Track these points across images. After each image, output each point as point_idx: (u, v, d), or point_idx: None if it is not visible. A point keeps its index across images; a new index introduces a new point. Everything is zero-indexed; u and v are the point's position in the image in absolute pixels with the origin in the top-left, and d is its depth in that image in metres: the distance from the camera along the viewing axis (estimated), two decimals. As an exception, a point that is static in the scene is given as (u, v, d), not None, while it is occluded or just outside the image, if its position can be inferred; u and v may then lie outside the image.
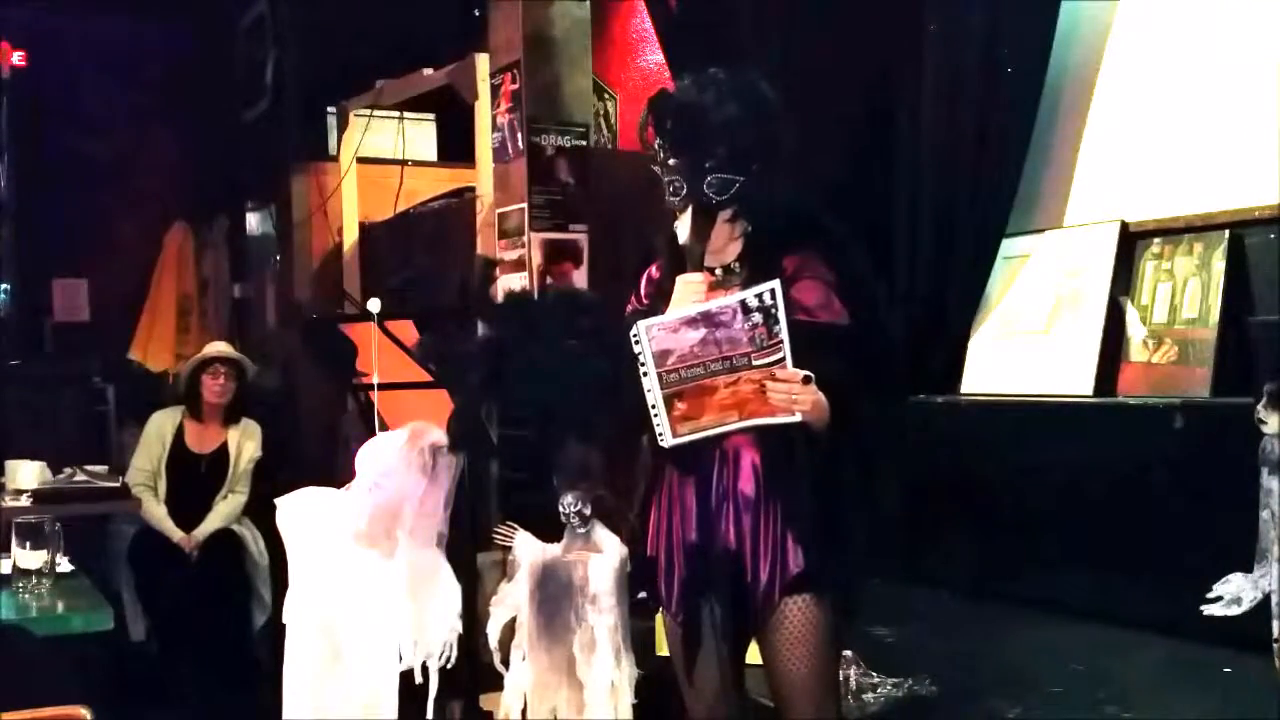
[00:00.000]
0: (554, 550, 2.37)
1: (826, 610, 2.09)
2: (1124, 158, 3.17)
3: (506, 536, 2.43)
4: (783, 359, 1.95)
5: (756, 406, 1.99)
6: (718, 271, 2.17)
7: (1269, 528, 1.89)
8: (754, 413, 2.00)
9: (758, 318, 1.94)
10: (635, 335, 1.99)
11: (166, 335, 6.69)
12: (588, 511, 2.31)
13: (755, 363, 1.96)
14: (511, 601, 2.40)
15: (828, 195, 3.43)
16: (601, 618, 2.26)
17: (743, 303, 1.94)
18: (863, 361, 2.06)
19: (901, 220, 3.47)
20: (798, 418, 1.98)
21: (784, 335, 1.93)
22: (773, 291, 1.92)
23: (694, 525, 2.14)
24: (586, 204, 4.30)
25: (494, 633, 2.42)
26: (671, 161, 2.09)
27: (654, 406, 2.02)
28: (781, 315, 1.93)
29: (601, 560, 2.29)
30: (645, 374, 2.00)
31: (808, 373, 1.95)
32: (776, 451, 2.09)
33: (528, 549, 2.39)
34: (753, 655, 2.20)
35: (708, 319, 1.96)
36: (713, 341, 1.97)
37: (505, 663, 2.40)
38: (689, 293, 2.09)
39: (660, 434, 2.05)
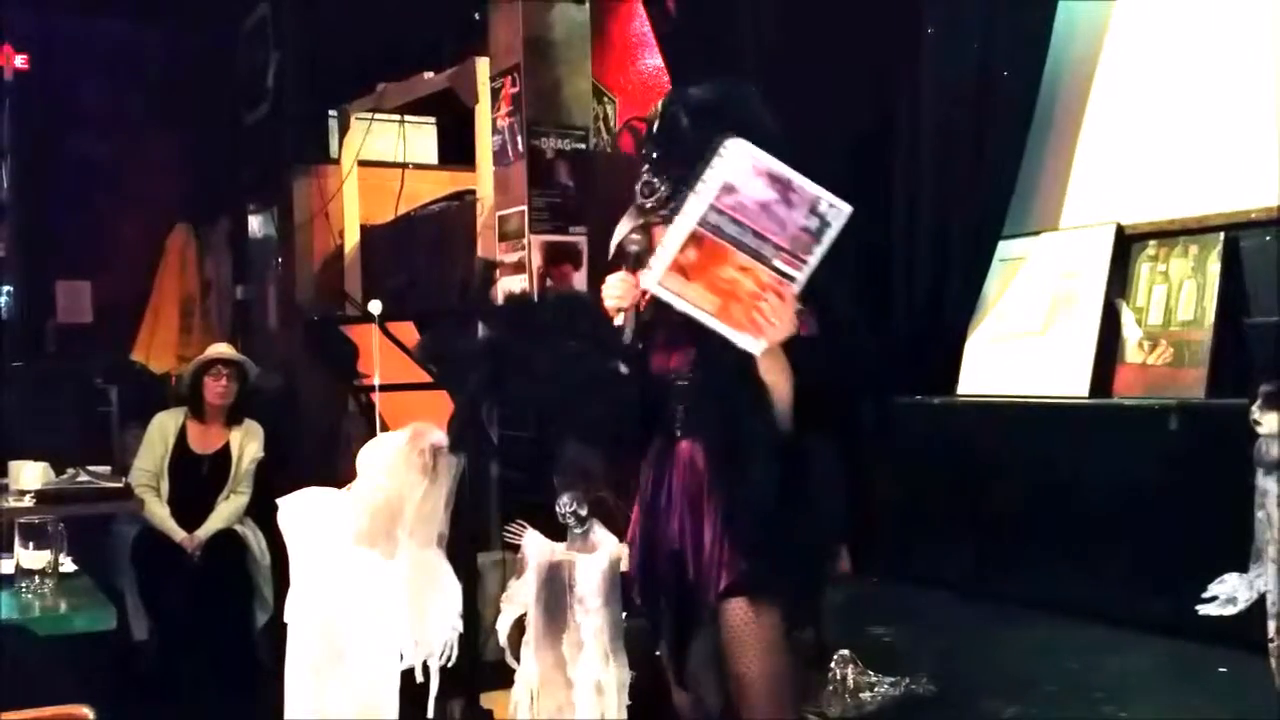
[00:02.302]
0: (561, 549, 2.38)
1: (773, 613, 2.09)
2: (1120, 160, 3.17)
3: (516, 534, 2.45)
4: (795, 279, 1.92)
5: (738, 313, 1.93)
6: None
7: (1264, 528, 1.90)
8: (730, 318, 1.94)
9: (814, 222, 1.90)
10: (723, 148, 1.88)
11: (169, 337, 6.72)
12: (583, 512, 2.31)
13: (775, 263, 1.92)
14: (520, 599, 2.41)
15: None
16: (588, 619, 2.26)
17: (818, 199, 1.89)
18: (829, 370, 2.06)
19: (898, 222, 3.47)
20: (758, 350, 1.95)
21: (814, 259, 1.90)
22: (839, 211, 1.89)
23: (653, 524, 2.21)
24: (586, 207, 4.32)
25: (503, 630, 2.43)
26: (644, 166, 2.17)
27: (668, 239, 1.94)
28: (827, 240, 1.90)
29: (589, 561, 2.29)
30: (696, 193, 1.90)
31: (802, 308, 1.95)
32: (721, 453, 2.10)
33: (535, 547, 2.40)
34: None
35: (785, 187, 1.89)
36: (770, 213, 1.90)
37: (517, 658, 2.42)
38: (610, 290, 2.17)
39: (650, 268, 1.98)
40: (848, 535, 2.23)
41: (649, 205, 2.15)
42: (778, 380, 2.02)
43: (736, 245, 1.92)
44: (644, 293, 2.27)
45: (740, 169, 1.90)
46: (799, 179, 1.91)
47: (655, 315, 2.19)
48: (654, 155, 2.14)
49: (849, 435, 2.14)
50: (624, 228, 2.21)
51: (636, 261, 2.18)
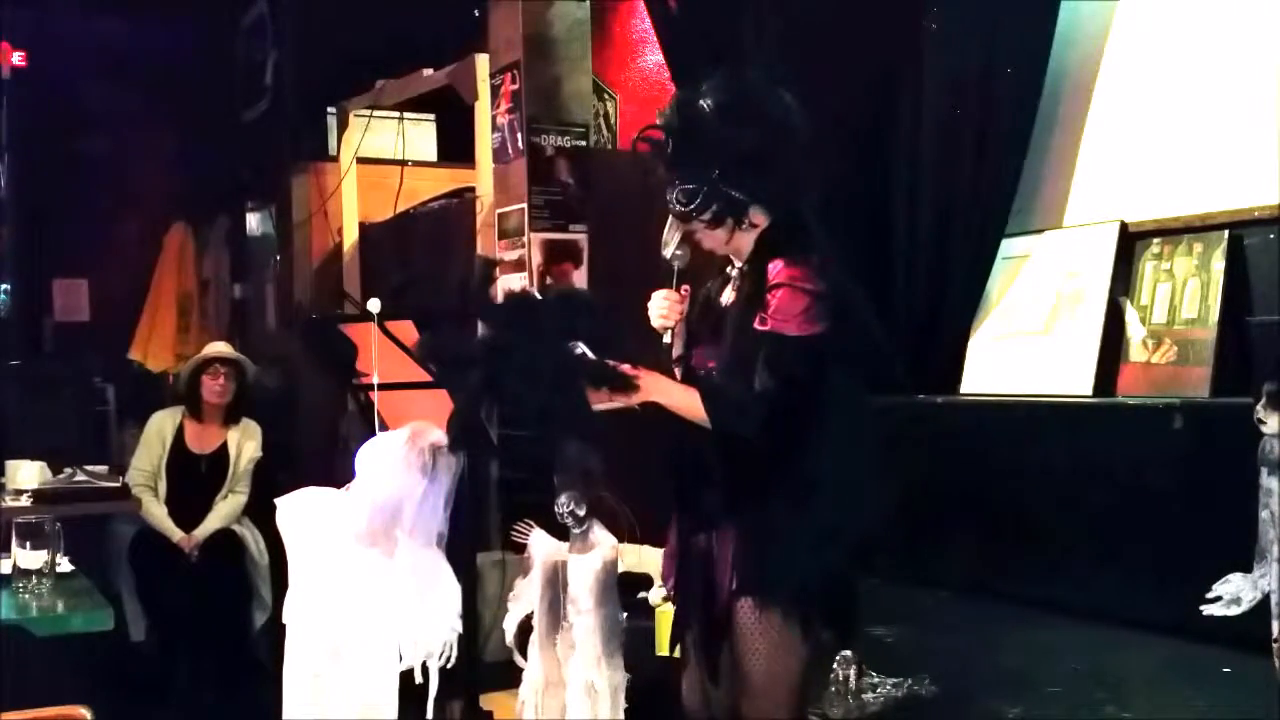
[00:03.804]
0: (565, 549, 2.37)
1: (781, 615, 2.09)
2: (1123, 158, 3.17)
3: (523, 534, 2.44)
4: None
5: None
6: (731, 271, 2.23)
7: (1268, 527, 1.89)
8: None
9: None
10: None
11: (167, 335, 6.69)
12: (581, 512, 2.30)
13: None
14: (526, 598, 2.41)
15: (827, 195, 3.44)
16: (580, 619, 2.25)
17: None
18: (818, 371, 2.06)
19: (901, 220, 3.46)
20: (633, 403, 2.07)
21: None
22: None
23: (684, 524, 2.24)
24: (586, 204, 4.31)
25: (510, 628, 2.43)
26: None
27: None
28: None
29: (582, 562, 2.28)
30: None
31: (619, 365, 2.04)
32: (721, 457, 2.12)
33: (541, 547, 2.39)
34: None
35: None
36: None
37: (524, 657, 2.41)
38: (656, 308, 2.21)
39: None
40: (868, 537, 2.22)
41: (684, 211, 2.13)
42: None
43: None
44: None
45: None
46: None
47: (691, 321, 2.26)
48: (681, 160, 2.11)
49: (865, 437, 2.13)
50: (668, 240, 2.19)
51: (680, 277, 2.21)
